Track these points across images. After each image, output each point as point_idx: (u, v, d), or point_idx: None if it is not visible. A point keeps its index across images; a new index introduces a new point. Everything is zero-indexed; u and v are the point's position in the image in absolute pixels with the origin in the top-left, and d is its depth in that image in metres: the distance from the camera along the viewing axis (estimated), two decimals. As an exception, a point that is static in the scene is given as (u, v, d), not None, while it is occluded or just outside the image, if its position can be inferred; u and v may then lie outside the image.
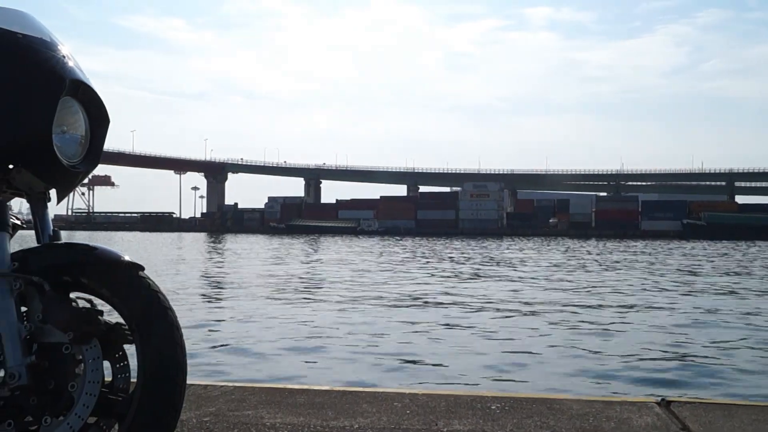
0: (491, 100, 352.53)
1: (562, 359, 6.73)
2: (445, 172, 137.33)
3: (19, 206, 1.79)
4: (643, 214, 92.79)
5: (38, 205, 1.80)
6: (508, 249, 37.23)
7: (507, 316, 9.91)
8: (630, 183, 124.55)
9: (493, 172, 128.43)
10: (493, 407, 2.74)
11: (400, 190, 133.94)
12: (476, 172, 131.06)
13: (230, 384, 3.23)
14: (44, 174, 1.71)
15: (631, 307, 11.33)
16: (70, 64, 1.73)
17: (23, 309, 1.59)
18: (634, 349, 7.26)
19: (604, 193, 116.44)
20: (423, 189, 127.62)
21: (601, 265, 23.54)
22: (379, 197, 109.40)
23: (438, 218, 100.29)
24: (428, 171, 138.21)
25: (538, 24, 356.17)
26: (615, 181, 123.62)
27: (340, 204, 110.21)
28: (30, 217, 1.83)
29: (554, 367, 6.29)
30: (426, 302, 11.74)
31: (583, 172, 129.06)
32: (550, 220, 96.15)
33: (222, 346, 7.26)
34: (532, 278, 17.40)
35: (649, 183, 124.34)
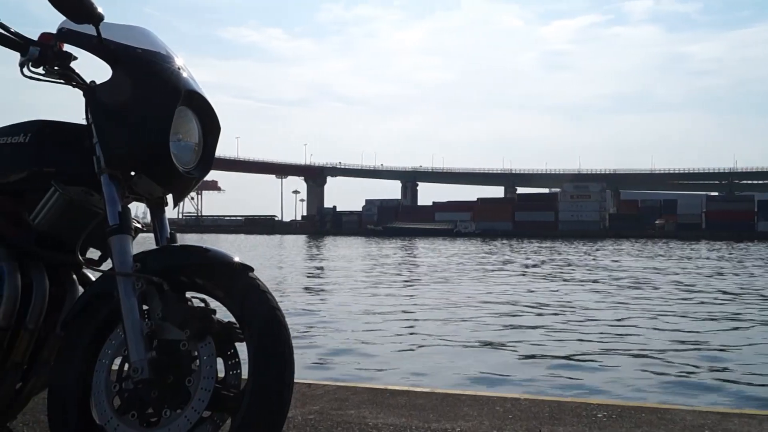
0: (591, 99, 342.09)
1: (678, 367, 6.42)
2: (544, 173, 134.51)
3: (135, 210, 1.89)
4: (759, 214, 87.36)
5: (157, 209, 1.90)
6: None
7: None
8: (744, 182, 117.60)
9: (594, 173, 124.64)
10: (599, 415, 2.66)
11: (497, 191, 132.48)
12: (576, 172, 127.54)
13: (333, 383, 3.31)
14: (162, 180, 1.81)
15: None
16: (185, 75, 1.83)
17: (144, 307, 1.68)
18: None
19: (716, 193, 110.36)
20: (521, 190, 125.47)
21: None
22: (476, 199, 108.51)
23: (536, 220, 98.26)
24: (526, 172, 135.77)
25: (639, 17, 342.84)
26: (727, 179, 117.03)
27: (437, 206, 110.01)
28: (145, 220, 1.94)
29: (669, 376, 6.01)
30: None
31: (691, 171, 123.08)
32: (656, 222, 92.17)
33: (325, 345, 7.41)
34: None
35: (765, 182, 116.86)
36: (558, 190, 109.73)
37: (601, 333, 8.46)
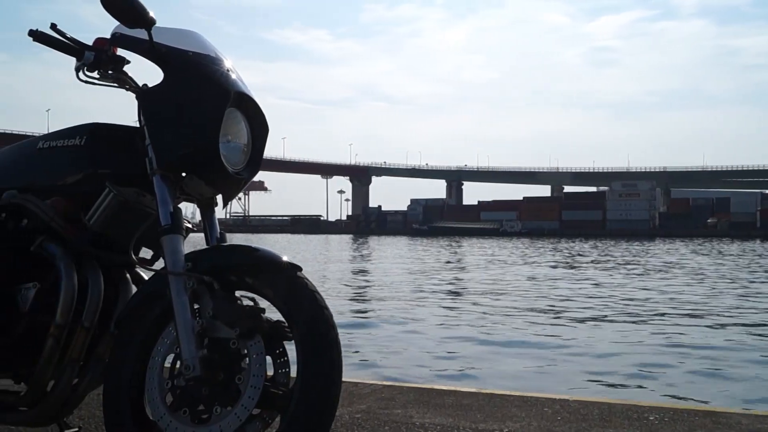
0: (638, 95, 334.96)
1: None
2: (592, 171, 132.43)
3: (185, 210, 1.92)
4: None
5: (207, 209, 1.94)
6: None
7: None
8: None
9: (643, 170, 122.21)
10: (651, 418, 2.61)
11: (543, 190, 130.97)
12: (625, 170, 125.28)
13: (380, 383, 3.31)
14: (212, 180, 1.84)
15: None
16: (234, 77, 1.85)
17: (195, 306, 1.70)
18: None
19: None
20: (567, 189, 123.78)
21: None
22: (521, 198, 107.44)
23: (584, 219, 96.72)
24: (573, 170, 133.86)
25: (688, 11, 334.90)
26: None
27: (482, 205, 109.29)
28: (194, 220, 1.97)
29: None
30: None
31: (745, 168, 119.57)
32: (708, 220, 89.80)
33: (375, 344, 7.44)
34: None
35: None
36: (606, 188, 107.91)
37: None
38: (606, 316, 10.04)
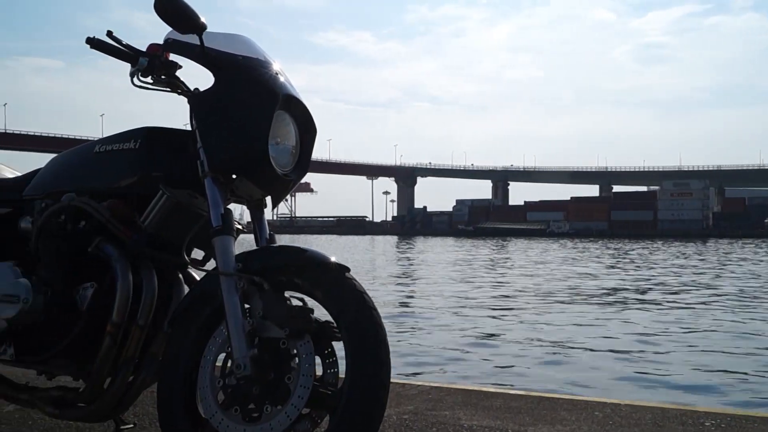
0: (690, 92, 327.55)
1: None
2: (642, 170, 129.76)
3: (234, 211, 1.95)
4: None
5: (256, 211, 1.96)
6: None
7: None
8: None
9: (696, 169, 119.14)
10: (707, 423, 2.54)
11: (591, 190, 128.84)
12: (677, 169, 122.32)
13: (427, 384, 3.30)
14: (262, 182, 1.86)
15: None
16: (282, 79, 1.88)
17: (246, 306, 1.72)
18: None
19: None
20: (617, 189, 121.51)
21: None
22: (569, 198, 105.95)
23: (634, 219, 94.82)
24: (622, 170, 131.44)
25: (741, 5, 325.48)
26: None
27: (529, 205, 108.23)
28: (241, 221, 2.00)
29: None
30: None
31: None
32: (766, 220, 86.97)
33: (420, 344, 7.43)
34: None
35: None
36: (657, 187, 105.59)
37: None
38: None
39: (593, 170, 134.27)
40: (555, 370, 6.25)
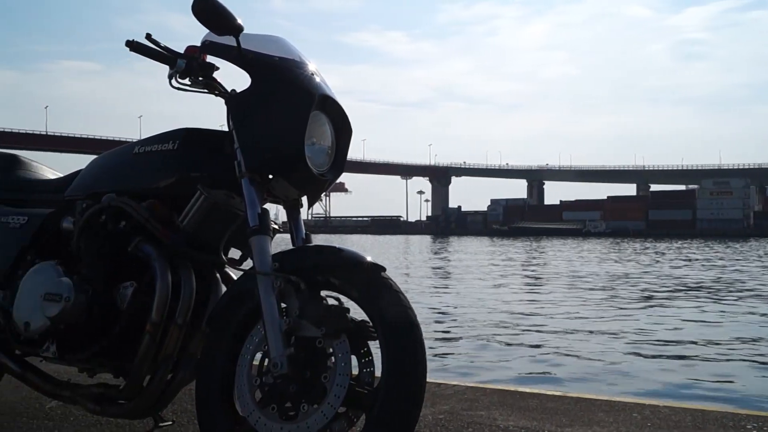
0: (729, 89, 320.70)
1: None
2: (680, 168, 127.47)
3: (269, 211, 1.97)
4: None
5: (292, 210, 1.98)
6: None
7: None
8: None
9: (736, 167, 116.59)
10: (749, 426, 2.48)
11: (627, 189, 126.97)
12: (716, 167, 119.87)
13: (463, 383, 3.29)
14: (298, 182, 1.87)
15: None
16: (317, 80, 1.89)
17: (282, 305, 1.74)
18: None
19: None
20: (654, 188, 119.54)
21: None
22: (605, 197, 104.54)
23: (672, 218, 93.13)
24: (660, 168, 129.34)
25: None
26: None
27: (565, 205, 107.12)
28: (277, 221, 2.01)
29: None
30: None
31: None
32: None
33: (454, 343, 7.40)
34: None
35: None
36: (696, 186, 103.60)
37: None
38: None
39: (630, 169, 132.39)
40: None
